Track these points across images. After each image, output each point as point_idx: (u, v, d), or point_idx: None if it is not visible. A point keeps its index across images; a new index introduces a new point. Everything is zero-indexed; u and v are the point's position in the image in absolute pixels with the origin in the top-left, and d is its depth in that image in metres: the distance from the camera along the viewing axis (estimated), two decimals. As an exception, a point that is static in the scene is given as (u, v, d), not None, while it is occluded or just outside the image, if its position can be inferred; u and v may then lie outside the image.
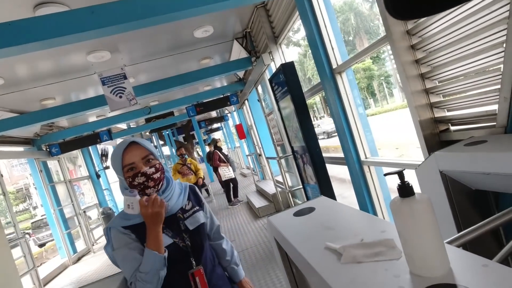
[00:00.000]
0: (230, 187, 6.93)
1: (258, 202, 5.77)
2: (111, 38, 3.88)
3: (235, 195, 7.00)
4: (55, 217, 6.24)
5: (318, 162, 3.22)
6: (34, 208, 33.03)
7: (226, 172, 6.83)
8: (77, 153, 8.95)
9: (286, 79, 3.30)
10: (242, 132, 9.65)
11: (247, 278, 1.44)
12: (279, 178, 7.23)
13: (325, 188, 3.21)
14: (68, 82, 4.97)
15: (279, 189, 5.26)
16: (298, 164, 3.95)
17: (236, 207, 6.70)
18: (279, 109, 3.95)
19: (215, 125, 20.27)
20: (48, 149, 6.64)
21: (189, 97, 7.62)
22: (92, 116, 7.63)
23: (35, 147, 6.45)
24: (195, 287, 1.15)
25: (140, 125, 10.72)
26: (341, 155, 3.10)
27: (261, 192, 6.71)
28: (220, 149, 7.01)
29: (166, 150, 18.56)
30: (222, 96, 7.12)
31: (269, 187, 6.21)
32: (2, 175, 5.08)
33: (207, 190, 9.56)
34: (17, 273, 3.59)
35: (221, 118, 13.69)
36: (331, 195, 3.19)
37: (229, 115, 13.62)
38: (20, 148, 6.13)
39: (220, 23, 4.51)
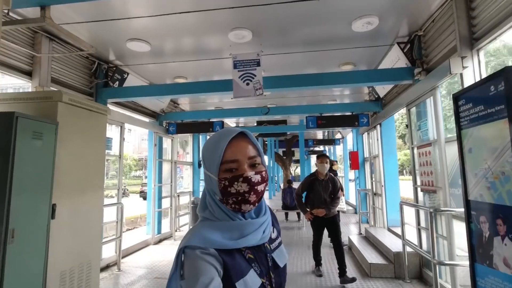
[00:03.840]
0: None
1: (370, 256, 4.37)
2: (256, 14, 3.40)
3: None
4: (153, 192, 6.33)
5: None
6: (146, 177, 38.68)
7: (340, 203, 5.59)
8: (189, 139, 9.36)
9: (509, 92, 2.02)
10: (356, 161, 8.26)
11: None
12: (396, 230, 5.60)
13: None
14: (203, 63, 4.84)
15: (408, 250, 3.78)
16: (473, 230, 2.51)
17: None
18: (459, 140, 2.62)
19: (320, 148, 19.13)
20: (167, 126, 6.92)
21: (309, 107, 6.83)
22: (210, 106, 7.72)
23: (157, 122, 6.80)
24: None
25: (248, 126, 10.59)
26: None
27: (371, 242, 5.24)
28: (335, 174, 5.81)
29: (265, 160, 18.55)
30: (351, 114, 6.02)
31: (387, 240, 4.73)
32: (124, 139, 5.32)
33: (298, 214, 8.53)
34: (100, 239, 3.34)
35: (331, 141, 12.47)
36: None
37: (341, 140, 12.30)
38: (146, 119, 6.52)
39: (389, 15, 3.50)
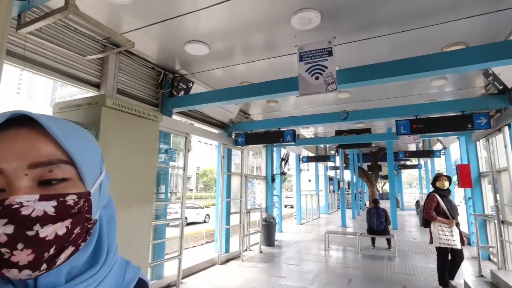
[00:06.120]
0: (447, 259, 4.04)
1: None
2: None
3: (451, 277, 4.10)
4: (221, 207, 5.98)
5: None
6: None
7: (443, 235, 3.94)
8: (262, 151, 8.96)
9: None
10: (467, 177, 6.38)
11: None
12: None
13: None
14: (267, 63, 4.34)
15: None
16: None
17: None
18: None
19: (413, 161, 16.45)
20: (235, 138, 6.61)
21: (398, 109, 5.41)
22: (284, 114, 7.16)
23: (226, 133, 6.56)
24: None
25: (328, 137, 9.60)
26: None
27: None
28: (445, 193, 4.25)
29: (347, 175, 16.72)
30: (461, 114, 4.56)
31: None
32: (189, 150, 5.15)
33: (388, 241, 7.02)
34: (147, 259, 2.99)
35: (429, 153, 10.32)
36: None
37: (442, 152, 10.08)
38: (215, 130, 6.35)
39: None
